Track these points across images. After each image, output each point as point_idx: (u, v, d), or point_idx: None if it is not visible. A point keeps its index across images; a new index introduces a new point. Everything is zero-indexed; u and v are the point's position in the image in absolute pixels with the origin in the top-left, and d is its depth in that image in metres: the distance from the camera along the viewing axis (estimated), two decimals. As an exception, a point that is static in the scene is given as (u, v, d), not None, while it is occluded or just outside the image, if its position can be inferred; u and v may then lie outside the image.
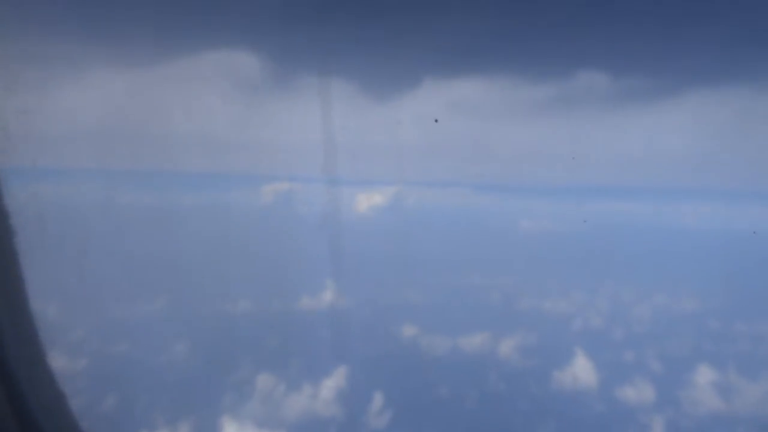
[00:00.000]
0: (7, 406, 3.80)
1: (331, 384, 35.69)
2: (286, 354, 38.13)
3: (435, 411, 35.51)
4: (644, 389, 38.18)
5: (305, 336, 40.56)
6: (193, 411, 31.60)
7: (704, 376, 38.78)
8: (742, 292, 50.70)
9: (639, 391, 38.01)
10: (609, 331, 45.60)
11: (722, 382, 38.37)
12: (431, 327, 43.63)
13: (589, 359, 39.79)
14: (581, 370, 39.19)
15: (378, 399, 34.57)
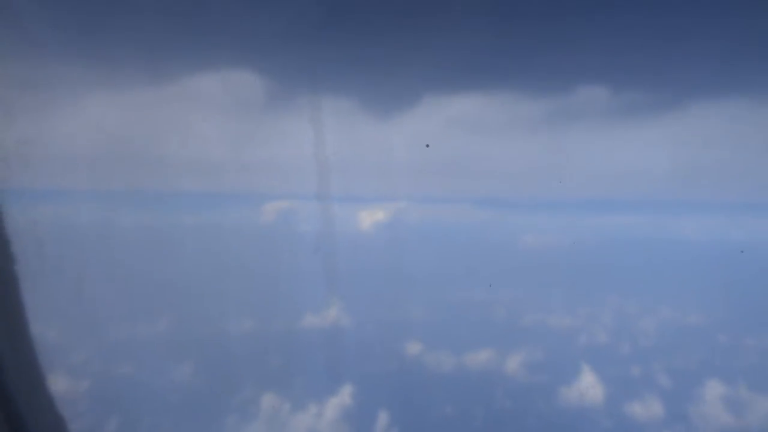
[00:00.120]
0: (7, 430, 3.79)
1: (337, 402, 35.41)
2: (291, 373, 37.91)
3: (441, 429, 35.15)
4: (652, 404, 37.75)
5: (310, 354, 40.34)
6: (197, 432, 31.35)
7: (713, 390, 38.35)
8: (747, 304, 50.33)
9: (647, 407, 37.59)
10: (615, 346, 45.23)
11: (732, 396, 37.92)
12: (436, 343, 43.35)
13: (596, 374, 39.43)
14: (588, 386, 38.82)
15: (383, 417, 34.27)
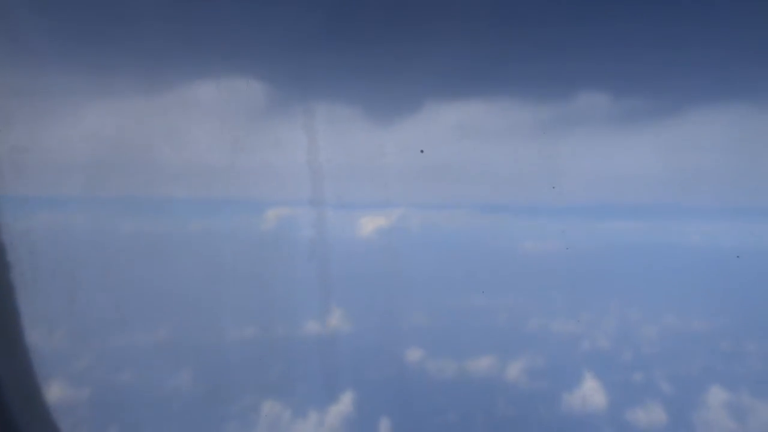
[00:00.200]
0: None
1: (338, 410, 35.27)
2: (292, 380, 37.78)
3: (443, 436, 34.98)
4: (656, 411, 37.57)
5: (311, 361, 40.22)
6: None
7: (717, 396, 38.16)
8: (751, 310, 50.18)
9: (650, 414, 37.40)
10: (618, 352, 45.07)
11: (736, 402, 37.74)
12: (437, 350, 43.24)
13: (599, 381, 39.27)
14: (591, 393, 38.65)
15: (385, 424, 34.12)
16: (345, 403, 35.41)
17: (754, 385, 38.75)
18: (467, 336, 46.96)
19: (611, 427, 36.78)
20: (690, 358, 43.97)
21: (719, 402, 37.71)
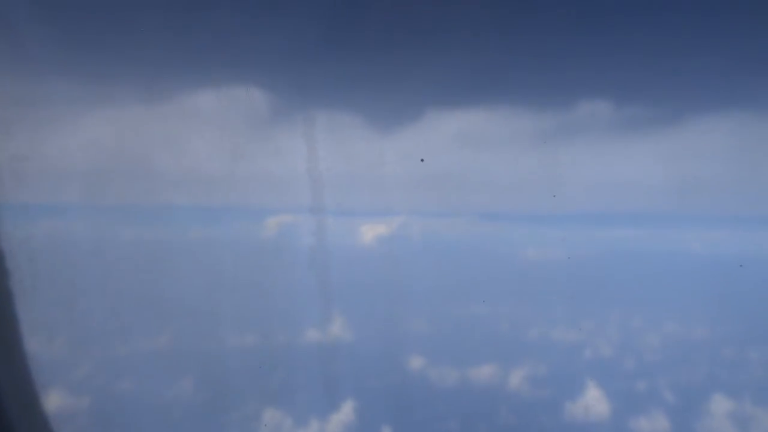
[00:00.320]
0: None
1: (339, 418, 35.13)
2: (293, 388, 37.64)
3: (444, 445, 34.81)
4: (659, 420, 37.38)
5: (311, 369, 40.09)
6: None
7: (719, 405, 37.98)
8: (753, 318, 50.03)
9: (653, 422, 37.21)
10: (620, 360, 44.91)
11: (739, 411, 37.55)
12: (439, 358, 43.10)
13: (601, 389, 39.10)
14: (593, 401, 38.47)
15: (386, 434, 33.99)
16: (346, 412, 35.27)
17: (757, 393, 38.60)
18: (469, 344, 46.83)
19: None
20: (693, 366, 43.85)
21: (722, 410, 37.55)
